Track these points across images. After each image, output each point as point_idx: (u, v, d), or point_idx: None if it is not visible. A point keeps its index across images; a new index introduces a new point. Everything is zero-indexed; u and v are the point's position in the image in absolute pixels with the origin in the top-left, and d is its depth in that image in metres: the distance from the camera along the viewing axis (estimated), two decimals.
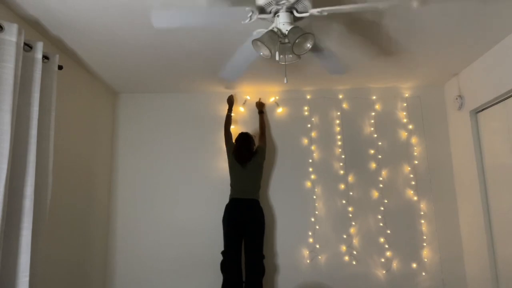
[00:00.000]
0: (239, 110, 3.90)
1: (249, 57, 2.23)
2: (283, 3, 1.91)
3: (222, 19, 2.03)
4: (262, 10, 1.97)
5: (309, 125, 3.88)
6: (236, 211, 3.34)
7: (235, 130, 3.81)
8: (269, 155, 3.82)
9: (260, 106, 3.84)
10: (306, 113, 3.91)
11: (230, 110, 3.75)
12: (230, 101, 3.79)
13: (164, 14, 1.95)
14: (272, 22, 2.02)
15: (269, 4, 1.93)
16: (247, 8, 1.90)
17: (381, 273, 3.62)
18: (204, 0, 2.23)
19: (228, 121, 3.68)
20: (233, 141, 3.56)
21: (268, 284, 3.56)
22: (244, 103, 3.92)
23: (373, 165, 3.80)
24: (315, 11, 1.90)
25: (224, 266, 3.29)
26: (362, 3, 1.87)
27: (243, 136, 3.51)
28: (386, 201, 3.73)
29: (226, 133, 3.62)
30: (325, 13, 1.90)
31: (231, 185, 3.46)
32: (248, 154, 3.43)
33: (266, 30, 1.99)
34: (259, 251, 3.31)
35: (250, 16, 1.93)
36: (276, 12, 1.99)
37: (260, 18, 1.99)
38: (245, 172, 3.41)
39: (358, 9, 1.89)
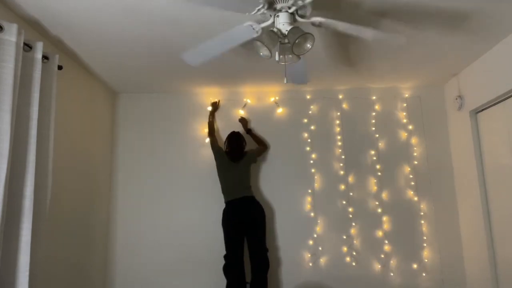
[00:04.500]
0: (239, 113, 3.90)
1: (225, 47, 2.22)
2: (297, 2, 1.94)
3: (239, 41, 2.12)
4: (270, 5, 1.99)
5: (309, 125, 3.88)
6: (237, 212, 3.34)
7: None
8: (269, 155, 3.82)
9: (244, 124, 3.79)
10: (306, 113, 3.90)
11: (212, 115, 3.77)
12: (214, 106, 3.81)
13: (195, 53, 2.25)
14: (268, 19, 2.04)
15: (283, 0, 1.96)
16: (245, 25, 1.99)
17: (381, 273, 3.62)
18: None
19: (211, 126, 3.70)
20: (219, 144, 3.60)
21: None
22: (244, 106, 3.92)
23: (373, 166, 3.80)
24: (315, 20, 1.96)
25: (228, 270, 3.29)
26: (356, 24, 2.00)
27: (235, 135, 3.54)
28: (386, 201, 3.73)
29: (212, 138, 3.62)
30: (323, 25, 1.96)
31: (224, 191, 3.46)
32: (242, 152, 3.48)
33: (258, 26, 2.01)
34: (263, 244, 3.36)
35: (259, 9, 1.97)
36: (278, 11, 2.00)
37: (263, 13, 2.02)
38: (237, 170, 3.43)
39: (352, 30, 1.98)
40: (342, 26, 1.99)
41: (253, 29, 2.00)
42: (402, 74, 3.60)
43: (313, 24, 2.01)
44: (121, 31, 2.55)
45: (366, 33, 2.08)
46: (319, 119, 3.89)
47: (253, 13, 2.00)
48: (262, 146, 3.70)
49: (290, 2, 1.93)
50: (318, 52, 2.95)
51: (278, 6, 1.97)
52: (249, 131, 3.76)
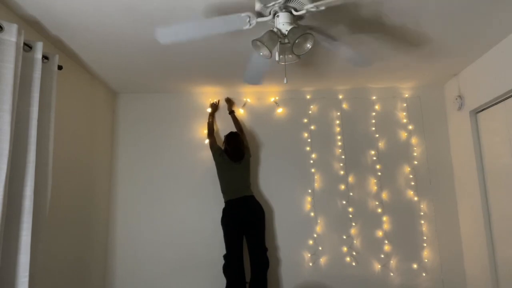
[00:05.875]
0: (239, 112, 3.90)
1: (207, 29, 2.15)
2: (272, 6, 1.91)
3: (225, 28, 2.04)
4: (260, 14, 1.98)
5: (309, 125, 3.88)
6: (236, 211, 3.35)
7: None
8: (269, 155, 3.82)
9: (230, 105, 3.83)
10: (306, 113, 3.90)
11: (212, 115, 3.78)
12: (214, 107, 3.82)
13: (168, 31, 2.02)
14: (273, 23, 2.02)
15: (264, 8, 1.94)
16: (242, 15, 1.92)
17: (381, 273, 3.62)
18: (201, 10, 2.24)
19: (211, 127, 3.70)
20: (218, 144, 3.60)
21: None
22: (244, 105, 3.92)
23: (373, 166, 3.80)
24: (310, 6, 1.90)
25: (227, 270, 3.29)
26: None
27: (234, 135, 3.52)
28: (386, 201, 3.73)
29: (211, 139, 3.63)
30: (322, 8, 1.90)
31: (224, 191, 3.46)
32: (242, 152, 3.47)
33: (255, 19, 1.99)
34: (262, 244, 3.36)
35: (249, 22, 1.95)
36: (275, 13, 2.00)
37: (260, 22, 2.00)
38: (239, 170, 3.43)
39: None
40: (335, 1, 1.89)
41: (248, 20, 1.96)
42: (402, 74, 3.60)
43: (309, 11, 1.96)
44: (121, 31, 2.55)
45: None
46: (319, 119, 3.89)
47: (245, 27, 1.98)
48: (243, 134, 3.69)
49: (279, 3, 1.91)
50: (318, 52, 2.95)
51: (271, 10, 1.95)
52: (231, 112, 3.78)
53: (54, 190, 2.62)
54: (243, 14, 1.92)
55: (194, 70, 3.33)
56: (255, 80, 2.68)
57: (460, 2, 2.29)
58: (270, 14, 2.01)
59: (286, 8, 1.96)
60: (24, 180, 2.09)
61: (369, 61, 2.53)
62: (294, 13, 1.98)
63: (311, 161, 3.81)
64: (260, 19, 1.99)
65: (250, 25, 1.97)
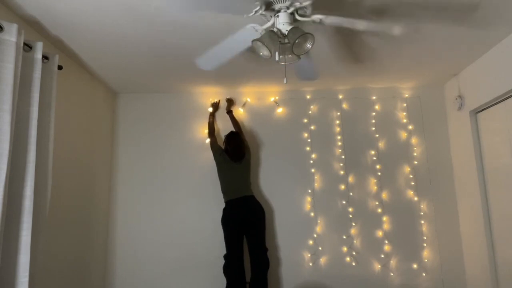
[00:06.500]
0: (239, 111, 3.90)
1: (233, 50, 2.23)
2: (294, 3, 1.93)
3: (228, 5, 2.03)
4: (267, 6, 1.98)
5: (309, 125, 3.88)
6: (237, 211, 3.35)
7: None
8: (269, 155, 3.82)
9: (229, 104, 3.83)
10: (306, 113, 3.90)
11: (212, 115, 3.78)
12: (215, 107, 3.82)
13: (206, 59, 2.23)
14: (269, 20, 2.04)
15: (279, 0, 1.94)
16: (256, 2, 1.92)
17: (381, 273, 3.62)
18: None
19: (212, 127, 3.71)
20: (218, 144, 3.60)
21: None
22: (243, 105, 3.92)
23: (373, 166, 3.80)
24: (316, 17, 1.94)
25: (228, 270, 3.29)
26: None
27: (235, 135, 3.52)
28: (386, 201, 3.73)
29: (212, 138, 3.63)
30: (321, 23, 1.95)
31: (224, 191, 3.46)
32: (243, 151, 3.47)
33: (260, 27, 2.01)
34: (262, 244, 3.37)
35: (256, 10, 1.96)
36: (279, 10, 2.01)
37: (262, 14, 2.01)
38: (239, 170, 3.43)
39: (351, 24, 1.94)
40: (342, 21, 1.98)
41: (256, 30, 2.01)
42: (402, 74, 3.60)
43: (313, 22, 2.01)
44: (121, 31, 2.55)
45: (363, 25, 2.03)
46: (319, 119, 3.89)
47: (250, 14, 2.00)
48: (242, 134, 3.67)
49: (288, 3, 1.93)
50: (318, 53, 2.95)
51: (277, 6, 1.97)
52: (229, 112, 3.78)
53: (54, 190, 2.62)
54: (247, 27, 1.98)
55: (194, 70, 3.33)
56: (210, 65, 2.51)
57: (460, 2, 2.29)
58: (275, 10, 2.01)
59: (293, 10, 1.97)
60: (24, 180, 2.09)
61: (317, 74, 2.66)
62: (297, 17, 2.00)
63: (311, 161, 3.81)
64: (266, 26, 2.03)
65: (254, 13, 1.97)
